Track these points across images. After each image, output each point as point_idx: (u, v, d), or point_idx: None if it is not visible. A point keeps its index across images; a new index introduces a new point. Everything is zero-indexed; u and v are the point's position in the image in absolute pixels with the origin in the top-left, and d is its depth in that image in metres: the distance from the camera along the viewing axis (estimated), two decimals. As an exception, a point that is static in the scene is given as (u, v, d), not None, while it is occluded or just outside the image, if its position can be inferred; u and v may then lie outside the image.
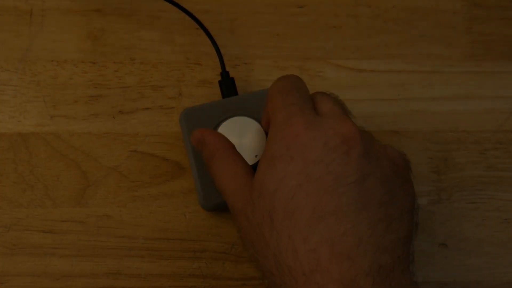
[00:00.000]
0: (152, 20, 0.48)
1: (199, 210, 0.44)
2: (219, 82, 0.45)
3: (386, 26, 0.48)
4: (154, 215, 0.44)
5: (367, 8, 0.49)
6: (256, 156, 0.42)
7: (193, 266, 0.43)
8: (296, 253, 0.33)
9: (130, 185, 0.44)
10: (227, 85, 0.45)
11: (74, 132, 0.45)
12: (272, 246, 0.34)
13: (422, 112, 0.47)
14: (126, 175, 0.44)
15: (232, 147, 0.40)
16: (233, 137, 0.42)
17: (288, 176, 0.34)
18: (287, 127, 0.35)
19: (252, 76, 0.47)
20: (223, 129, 0.42)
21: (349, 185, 0.33)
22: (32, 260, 0.43)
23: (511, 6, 0.49)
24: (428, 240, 0.44)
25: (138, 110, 0.46)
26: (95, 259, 0.43)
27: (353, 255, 0.32)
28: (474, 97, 0.47)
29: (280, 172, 0.34)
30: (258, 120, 0.43)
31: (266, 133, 0.41)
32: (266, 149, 0.36)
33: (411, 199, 0.36)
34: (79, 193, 0.44)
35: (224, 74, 0.45)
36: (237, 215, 0.37)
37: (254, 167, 0.41)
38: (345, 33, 0.48)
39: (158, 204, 0.44)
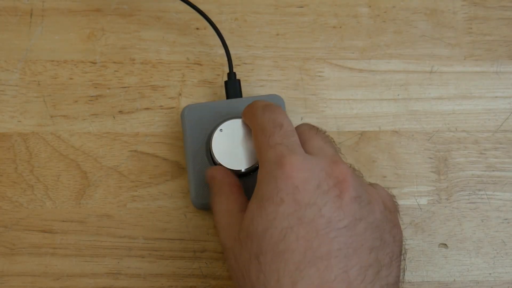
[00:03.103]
0: (152, 20, 0.48)
1: (199, 210, 0.44)
2: (225, 82, 0.45)
3: (386, 26, 0.48)
4: (154, 215, 0.44)
5: (367, 8, 0.49)
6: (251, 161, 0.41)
7: (193, 266, 0.43)
8: None
9: (130, 185, 0.44)
10: (233, 86, 0.45)
11: (74, 132, 0.45)
12: None
13: (422, 112, 0.47)
14: (126, 175, 0.44)
15: (236, 185, 0.39)
16: (231, 139, 0.42)
17: (279, 217, 0.33)
18: (278, 168, 0.34)
19: (252, 76, 0.47)
20: (223, 129, 0.42)
21: (340, 230, 0.32)
22: (32, 260, 0.43)
23: (511, 6, 0.49)
24: (428, 240, 0.44)
25: (138, 110, 0.46)
26: (95, 259, 0.43)
27: None
28: (474, 97, 0.47)
29: (270, 214, 0.33)
30: None
31: None
32: (256, 188, 0.35)
33: (400, 244, 0.36)
34: (79, 193, 0.44)
35: (231, 74, 0.45)
36: (226, 253, 0.36)
37: (250, 170, 0.41)
38: (345, 33, 0.48)
39: (158, 204, 0.44)
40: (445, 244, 0.44)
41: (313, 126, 0.38)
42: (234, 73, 0.45)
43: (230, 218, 0.36)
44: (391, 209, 0.36)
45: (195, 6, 0.46)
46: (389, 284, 0.33)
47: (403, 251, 0.36)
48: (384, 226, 0.35)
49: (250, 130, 0.41)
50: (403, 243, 0.36)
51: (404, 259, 0.36)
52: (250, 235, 0.33)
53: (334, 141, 0.38)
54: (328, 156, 0.35)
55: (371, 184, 0.38)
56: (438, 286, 0.43)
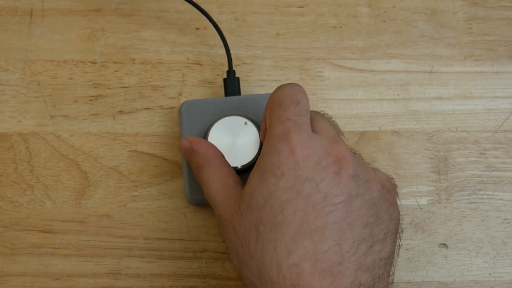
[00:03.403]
0: (152, 20, 0.48)
1: (199, 210, 0.44)
2: (224, 79, 0.45)
3: (386, 26, 0.48)
4: (154, 215, 0.44)
5: (367, 8, 0.49)
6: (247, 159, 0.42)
7: (193, 266, 0.43)
8: (279, 266, 0.33)
9: (130, 185, 0.44)
10: (232, 83, 0.45)
11: (74, 132, 0.45)
12: (256, 258, 0.34)
13: (422, 112, 0.47)
14: (126, 175, 0.44)
15: (222, 156, 0.40)
16: (227, 136, 0.42)
17: (279, 190, 0.34)
18: (283, 143, 0.35)
19: (252, 76, 0.47)
20: (219, 126, 0.42)
21: (336, 205, 0.34)
22: (32, 260, 0.43)
23: (511, 6, 0.49)
24: (428, 240, 0.44)
25: (138, 110, 0.46)
26: (95, 259, 0.43)
27: (335, 271, 0.33)
28: (474, 97, 0.47)
29: (270, 186, 0.34)
30: (256, 122, 0.43)
31: (261, 142, 0.41)
32: (259, 160, 0.36)
33: (396, 222, 0.37)
34: (79, 193, 0.44)
35: (231, 72, 0.45)
36: (224, 225, 0.37)
37: (246, 168, 0.41)
38: (345, 33, 0.48)
39: (158, 204, 0.44)
40: (445, 244, 0.44)
41: (320, 112, 0.39)
42: (234, 71, 0.45)
43: (227, 192, 0.37)
44: (389, 189, 0.38)
45: (194, 2, 0.46)
46: (382, 258, 0.35)
47: (399, 230, 0.37)
48: (381, 204, 0.36)
49: (247, 128, 0.42)
50: (400, 222, 0.38)
51: (400, 238, 0.38)
52: (251, 206, 0.35)
53: (337, 125, 0.39)
54: (330, 136, 0.36)
55: (372, 168, 0.39)
56: (438, 286, 0.44)
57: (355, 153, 0.38)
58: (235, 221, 0.35)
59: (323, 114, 0.39)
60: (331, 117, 0.39)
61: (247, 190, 0.35)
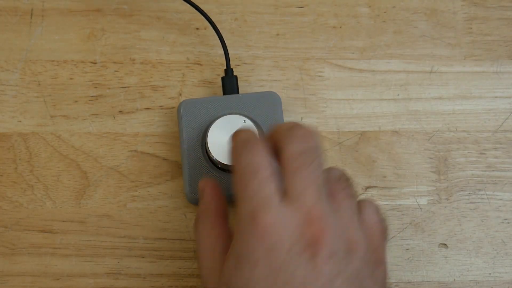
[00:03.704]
0: (152, 20, 0.48)
1: (194, 204, 0.44)
2: (222, 78, 0.45)
3: (386, 26, 0.48)
4: (154, 215, 0.44)
5: (367, 8, 0.49)
6: None
7: (193, 266, 0.43)
8: None
9: (130, 185, 0.44)
10: (230, 82, 0.45)
11: (74, 132, 0.45)
12: None
13: (422, 112, 0.47)
14: (126, 175, 0.44)
15: (222, 213, 0.38)
16: (226, 134, 0.42)
17: (254, 280, 0.32)
18: (252, 227, 0.33)
19: (252, 76, 0.47)
20: (218, 125, 0.42)
21: None
22: (32, 260, 0.43)
23: (511, 6, 0.49)
24: (428, 240, 0.44)
25: (138, 110, 0.46)
26: (95, 259, 0.43)
27: None
28: (474, 97, 0.47)
29: (245, 274, 0.33)
30: (254, 120, 0.43)
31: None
32: (233, 242, 0.34)
33: (382, 285, 0.35)
34: (79, 193, 0.44)
35: (229, 70, 0.45)
36: None
37: None
38: (345, 33, 0.48)
39: (158, 204, 0.44)
40: (445, 244, 0.44)
41: (303, 151, 0.34)
42: (231, 69, 0.45)
43: (213, 261, 0.36)
44: (376, 244, 0.36)
45: (192, 2, 0.46)
46: None
47: None
48: (365, 272, 0.34)
49: (246, 126, 0.42)
50: (387, 279, 0.36)
51: None
52: None
53: (321, 168, 0.35)
54: (304, 208, 0.33)
55: (359, 206, 0.37)
56: (438, 286, 0.43)
57: (346, 181, 0.35)
58: None
59: (304, 159, 0.34)
60: (315, 158, 0.34)
61: (225, 272, 0.34)
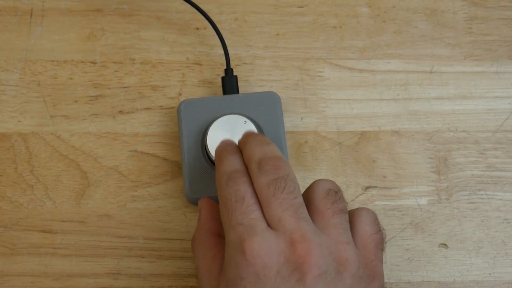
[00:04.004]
0: (152, 20, 0.48)
1: (194, 204, 0.44)
2: (222, 78, 0.45)
3: (386, 26, 0.48)
4: (154, 215, 0.44)
5: (367, 8, 0.49)
6: None
7: (193, 266, 0.43)
8: None
9: (130, 185, 0.44)
10: (230, 82, 0.45)
11: (74, 132, 0.45)
12: None
13: (422, 112, 0.47)
14: (126, 175, 0.44)
15: (217, 233, 0.38)
16: (226, 134, 0.42)
17: None
18: (239, 254, 0.33)
19: (252, 76, 0.47)
20: (218, 125, 0.42)
21: None
22: (32, 260, 0.43)
23: (511, 6, 0.49)
24: (428, 240, 0.44)
25: (138, 110, 0.46)
26: (95, 259, 0.43)
27: None
28: (474, 97, 0.47)
29: None
30: (254, 120, 0.43)
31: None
32: (224, 268, 0.35)
33: None
34: (79, 193, 0.44)
35: (229, 70, 0.45)
36: None
37: None
38: (345, 33, 0.48)
39: (158, 204, 0.44)
40: (445, 244, 0.44)
41: (272, 181, 0.35)
42: (231, 69, 0.45)
43: (210, 279, 0.36)
44: (370, 258, 0.36)
45: (192, 2, 0.46)
46: None
47: None
48: None
49: (246, 126, 0.42)
50: None
51: None
52: None
53: (295, 193, 0.35)
54: (286, 232, 0.34)
55: (353, 217, 0.37)
56: (438, 286, 0.43)
57: (334, 193, 0.36)
58: None
59: (275, 187, 0.35)
60: (284, 185, 0.35)
61: None
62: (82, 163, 0.45)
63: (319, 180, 0.37)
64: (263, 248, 0.33)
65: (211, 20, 0.45)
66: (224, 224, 0.35)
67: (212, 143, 0.42)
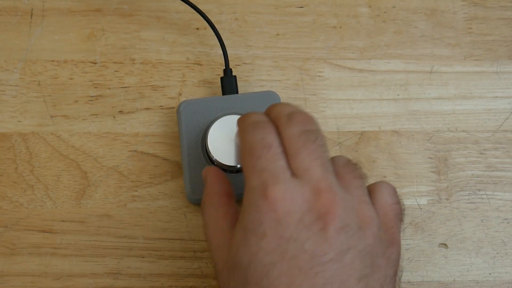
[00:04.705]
0: (152, 20, 0.48)
1: (199, 210, 0.44)
2: (221, 78, 0.45)
3: (386, 26, 0.48)
4: (154, 215, 0.44)
5: (367, 8, 0.49)
6: None
7: (193, 266, 0.43)
8: None
9: (130, 185, 0.44)
10: (229, 82, 0.45)
11: (74, 132, 0.45)
12: None
13: (422, 112, 0.47)
14: (126, 175, 0.44)
15: (226, 193, 0.38)
16: (227, 134, 0.42)
17: (262, 252, 0.32)
18: (261, 199, 0.32)
19: (252, 76, 0.47)
20: (218, 125, 0.42)
21: (325, 264, 0.31)
22: (32, 260, 0.43)
23: (511, 6, 0.49)
24: (428, 240, 0.44)
25: (138, 110, 0.46)
26: (95, 259, 0.43)
27: None
28: (474, 97, 0.47)
29: (253, 247, 0.32)
30: None
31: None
32: (241, 214, 0.34)
33: (395, 264, 0.35)
34: (79, 193, 0.44)
35: (227, 71, 0.45)
36: (217, 275, 0.35)
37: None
38: (345, 33, 0.48)
39: (158, 204, 0.44)
40: (445, 244, 0.44)
41: (303, 132, 0.35)
42: (230, 69, 0.45)
43: (221, 238, 0.35)
44: (390, 224, 0.35)
45: (190, 2, 0.46)
46: None
47: (399, 269, 0.35)
48: (377, 249, 0.33)
49: None
50: (401, 260, 0.35)
51: (400, 277, 0.35)
52: (236, 266, 0.33)
53: (325, 147, 0.35)
54: (313, 181, 0.33)
55: (373, 189, 0.36)
56: (438, 286, 0.44)
57: (357, 167, 0.35)
58: (225, 274, 0.34)
59: (306, 138, 0.34)
60: (315, 138, 0.34)
61: (233, 246, 0.34)
62: (82, 163, 0.45)
63: (337, 155, 0.37)
64: (287, 194, 0.32)
65: (209, 19, 0.45)
66: (246, 170, 0.34)
67: (212, 143, 0.42)
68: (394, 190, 0.37)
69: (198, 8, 0.46)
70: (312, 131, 0.35)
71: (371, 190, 0.36)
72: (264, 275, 0.32)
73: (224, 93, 0.45)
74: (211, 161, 0.43)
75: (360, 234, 0.33)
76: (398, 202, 0.36)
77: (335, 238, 0.32)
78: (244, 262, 0.32)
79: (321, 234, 0.32)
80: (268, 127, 0.35)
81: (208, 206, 0.37)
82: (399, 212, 0.36)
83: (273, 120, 0.36)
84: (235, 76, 0.45)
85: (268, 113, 0.37)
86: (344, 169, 0.35)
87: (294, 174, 0.34)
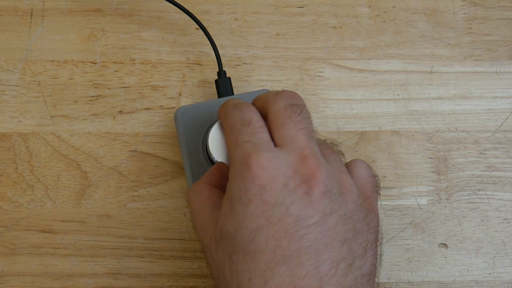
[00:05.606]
0: (152, 20, 0.48)
1: (199, 210, 0.44)
2: (216, 81, 0.45)
3: (386, 26, 0.48)
4: (154, 215, 0.44)
5: (367, 8, 0.49)
6: None
7: (193, 266, 0.43)
8: None
9: (130, 185, 0.44)
10: (223, 84, 0.45)
11: (74, 132, 0.45)
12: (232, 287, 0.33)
13: (422, 112, 0.47)
14: (126, 175, 0.44)
15: (211, 184, 0.38)
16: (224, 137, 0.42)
17: (248, 218, 0.33)
18: (245, 168, 0.33)
19: (252, 76, 0.47)
20: (218, 127, 0.42)
21: (310, 227, 0.32)
22: (32, 260, 0.43)
23: (511, 6, 0.49)
24: (428, 240, 0.44)
25: (138, 110, 0.46)
26: (95, 259, 0.43)
27: None
28: (474, 97, 0.47)
29: (239, 214, 0.33)
30: None
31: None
32: (227, 189, 0.35)
33: (375, 230, 0.36)
34: (79, 193, 0.44)
35: (221, 73, 0.45)
36: (204, 251, 0.36)
37: None
38: (345, 33, 0.48)
39: (158, 204, 0.44)
40: (445, 244, 0.44)
41: (289, 105, 0.36)
42: (224, 71, 0.45)
43: (206, 216, 0.36)
44: (368, 194, 0.36)
45: (178, 3, 0.45)
46: (363, 274, 0.33)
47: (379, 237, 0.36)
48: (358, 215, 0.34)
49: None
50: (380, 227, 0.36)
51: (381, 244, 0.36)
52: (223, 235, 0.34)
53: (309, 120, 0.36)
54: (297, 149, 0.34)
55: (350, 165, 0.37)
56: (438, 286, 0.44)
57: (333, 146, 0.37)
58: (212, 247, 0.35)
59: (292, 110, 0.35)
60: (300, 111, 0.36)
61: (220, 218, 0.34)
62: (82, 163, 0.45)
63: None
64: (270, 161, 0.33)
65: (198, 19, 0.45)
66: (230, 147, 0.35)
67: (214, 145, 0.42)
68: (368, 165, 0.38)
69: (186, 9, 0.45)
70: (298, 105, 0.36)
71: (347, 166, 0.37)
72: (251, 240, 0.33)
73: (219, 95, 0.45)
74: (212, 163, 0.43)
75: (342, 199, 0.34)
76: (374, 176, 0.38)
77: (319, 201, 0.33)
78: (231, 231, 0.33)
79: (306, 198, 0.33)
80: (246, 107, 0.36)
81: (191, 194, 0.38)
82: (375, 185, 0.37)
83: (262, 104, 0.37)
84: (229, 78, 0.45)
85: (255, 100, 0.38)
86: (322, 146, 0.37)
87: (278, 145, 0.34)
